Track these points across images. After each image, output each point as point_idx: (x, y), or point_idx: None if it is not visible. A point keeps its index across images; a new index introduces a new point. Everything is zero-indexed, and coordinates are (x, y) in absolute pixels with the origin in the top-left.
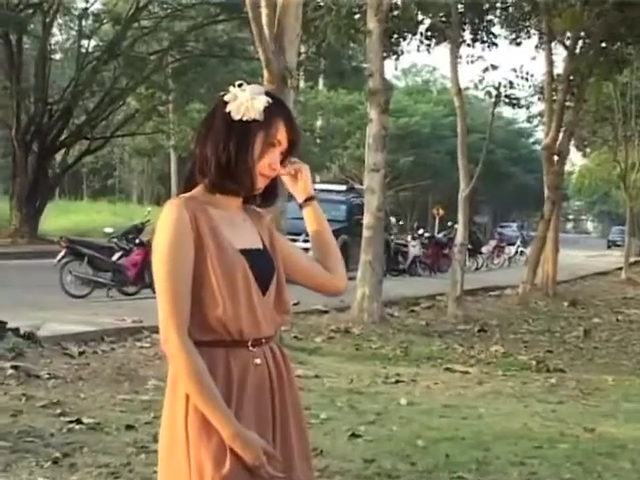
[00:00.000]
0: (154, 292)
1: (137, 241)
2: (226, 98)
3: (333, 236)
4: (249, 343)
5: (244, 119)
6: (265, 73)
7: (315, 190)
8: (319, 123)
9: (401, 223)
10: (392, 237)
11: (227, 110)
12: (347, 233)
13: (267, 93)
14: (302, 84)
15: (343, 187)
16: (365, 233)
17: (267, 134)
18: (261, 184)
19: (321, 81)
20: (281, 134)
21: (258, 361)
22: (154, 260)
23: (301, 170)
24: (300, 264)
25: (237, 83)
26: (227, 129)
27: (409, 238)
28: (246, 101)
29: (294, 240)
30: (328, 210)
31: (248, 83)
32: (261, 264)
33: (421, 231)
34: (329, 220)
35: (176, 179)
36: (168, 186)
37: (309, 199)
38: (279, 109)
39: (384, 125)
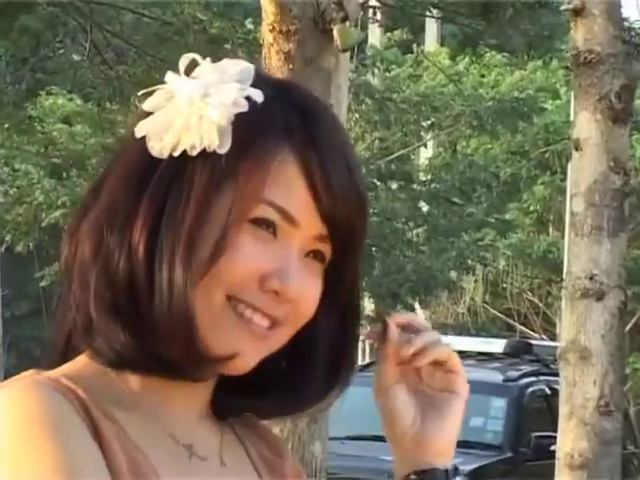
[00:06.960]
0: None
1: None
2: (146, 106)
3: None
4: None
5: (190, 154)
6: (268, 9)
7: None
8: (426, 155)
9: None
10: None
11: (140, 134)
12: (507, 477)
13: (259, 75)
14: (377, 38)
15: (499, 344)
16: None
17: (242, 191)
18: (244, 344)
19: (431, 30)
20: (294, 194)
21: None
22: None
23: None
24: None
25: (186, 57)
26: (137, 182)
27: None
28: (198, 100)
29: None
30: None
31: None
32: None
33: None
34: (466, 447)
35: None
36: None
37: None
38: (285, 105)
39: (620, 161)
